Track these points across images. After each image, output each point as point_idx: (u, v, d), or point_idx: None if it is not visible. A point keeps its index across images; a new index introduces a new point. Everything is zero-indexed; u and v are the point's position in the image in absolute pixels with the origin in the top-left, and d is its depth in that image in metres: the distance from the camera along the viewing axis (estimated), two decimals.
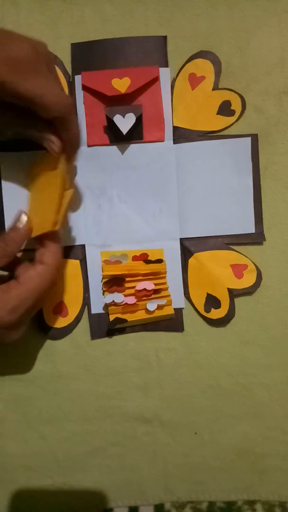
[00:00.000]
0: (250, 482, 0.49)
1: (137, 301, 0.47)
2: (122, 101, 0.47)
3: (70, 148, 0.43)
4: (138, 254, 0.48)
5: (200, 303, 0.48)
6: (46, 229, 0.42)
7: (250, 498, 0.49)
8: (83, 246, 0.49)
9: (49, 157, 0.43)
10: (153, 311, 0.47)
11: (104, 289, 0.48)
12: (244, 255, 0.48)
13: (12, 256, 0.42)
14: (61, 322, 0.49)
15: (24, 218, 0.42)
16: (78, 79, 0.47)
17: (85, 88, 0.47)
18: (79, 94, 0.47)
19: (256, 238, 0.48)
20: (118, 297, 0.47)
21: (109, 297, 0.47)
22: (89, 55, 0.48)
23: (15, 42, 0.37)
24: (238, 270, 0.48)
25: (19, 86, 0.37)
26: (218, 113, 0.48)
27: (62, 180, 0.42)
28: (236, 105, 0.48)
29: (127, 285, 0.47)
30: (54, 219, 0.42)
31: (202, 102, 0.48)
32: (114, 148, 0.48)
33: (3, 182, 0.48)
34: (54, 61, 0.42)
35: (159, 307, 0.47)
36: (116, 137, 0.47)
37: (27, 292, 0.40)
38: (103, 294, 0.48)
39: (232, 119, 0.48)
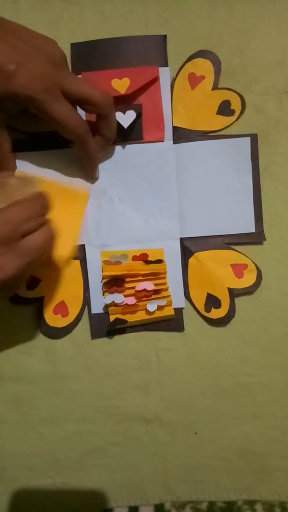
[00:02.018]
0: (250, 482, 0.49)
1: (137, 301, 0.47)
2: (122, 101, 0.47)
3: (88, 165, 0.47)
4: (138, 254, 0.48)
5: (200, 303, 0.48)
6: (65, 256, 0.47)
7: (250, 498, 0.49)
8: (83, 246, 0.49)
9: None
10: (153, 312, 0.47)
11: (104, 289, 0.48)
12: (244, 254, 0.48)
13: None
14: (61, 322, 0.49)
15: None
16: None
17: None
18: None
19: (256, 237, 0.48)
20: (118, 298, 0.47)
21: (109, 298, 0.47)
22: (89, 55, 0.48)
23: (38, 58, 0.40)
24: (238, 269, 0.48)
25: (49, 106, 0.40)
26: (217, 113, 0.48)
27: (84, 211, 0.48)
28: (235, 105, 0.48)
29: (127, 285, 0.47)
30: (73, 248, 0.47)
31: (201, 102, 0.48)
32: (114, 148, 0.48)
33: None
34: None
35: (159, 308, 0.47)
36: (117, 135, 0.47)
37: None
38: (103, 294, 0.48)
39: (231, 119, 0.48)
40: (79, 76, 0.47)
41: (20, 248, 0.38)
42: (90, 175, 0.48)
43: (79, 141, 0.44)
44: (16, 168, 0.47)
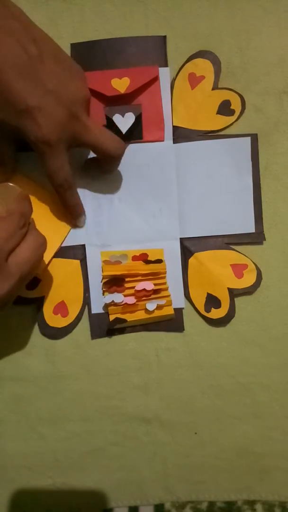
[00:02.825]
0: (250, 482, 0.49)
1: (136, 301, 0.47)
2: (121, 101, 0.47)
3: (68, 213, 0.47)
4: (138, 254, 0.48)
5: (200, 303, 0.48)
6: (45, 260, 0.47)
7: (250, 498, 0.49)
8: (83, 246, 0.49)
9: None
10: (153, 311, 0.47)
11: (104, 289, 0.48)
12: (244, 254, 0.48)
13: None
14: (61, 322, 0.49)
15: None
16: None
17: None
18: None
19: (256, 237, 0.48)
20: (117, 297, 0.47)
21: (109, 297, 0.47)
22: (89, 55, 0.48)
23: (55, 107, 0.39)
24: (238, 269, 0.48)
25: (44, 157, 0.40)
26: (217, 112, 0.48)
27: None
28: (235, 105, 0.48)
29: (127, 285, 0.47)
30: (55, 252, 0.48)
31: (201, 101, 0.48)
32: None
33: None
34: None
35: (159, 307, 0.47)
36: (117, 135, 0.47)
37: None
38: (103, 294, 0.48)
39: (231, 118, 0.48)
40: None
41: (7, 268, 0.37)
42: (73, 223, 0.48)
43: (58, 194, 0.44)
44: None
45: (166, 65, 0.48)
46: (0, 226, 0.38)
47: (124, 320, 0.47)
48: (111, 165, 0.46)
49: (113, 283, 0.47)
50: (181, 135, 0.48)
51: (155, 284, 0.47)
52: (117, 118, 0.46)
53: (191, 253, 0.48)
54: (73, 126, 0.40)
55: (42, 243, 0.40)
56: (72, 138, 0.41)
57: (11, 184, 0.41)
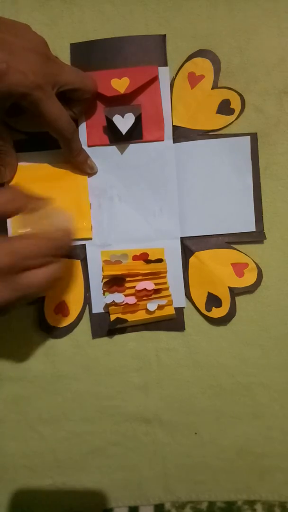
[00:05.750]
0: (250, 482, 0.49)
1: (137, 301, 0.47)
2: (121, 101, 0.47)
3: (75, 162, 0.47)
4: (138, 254, 0.48)
5: (201, 302, 0.48)
6: (83, 236, 0.48)
7: (250, 498, 0.49)
8: (83, 246, 0.49)
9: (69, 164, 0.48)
10: (154, 311, 0.47)
11: (104, 289, 0.48)
12: (244, 253, 0.48)
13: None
14: (62, 322, 0.49)
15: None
16: None
17: None
18: None
19: (257, 236, 0.48)
20: (118, 297, 0.47)
21: (110, 297, 0.47)
22: (89, 55, 0.48)
23: (25, 54, 0.39)
24: (239, 268, 0.48)
25: (42, 103, 0.40)
26: (217, 112, 0.48)
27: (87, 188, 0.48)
28: (235, 104, 0.48)
29: (127, 285, 0.47)
30: (88, 227, 0.48)
31: (201, 101, 0.48)
32: (114, 148, 0.48)
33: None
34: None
35: (160, 307, 0.47)
36: (116, 137, 0.47)
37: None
38: (104, 294, 0.48)
39: (231, 117, 0.48)
40: None
41: (16, 282, 0.36)
42: (84, 170, 0.48)
43: (65, 140, 0.44)
44: (17, 163, 0.48)
45: (165, 64, 0.48)
46: (36, 241, 0.38)
47: (125, 320, 0.47)
48: (82, 104, 0.46)
49: (114, 282, 0.47)
50: (181, 134, 0.48)
51: (155, 284, 0.47)
52: (117, 119, 0.46)
53: (191, 252, 0.48)
54: (50, 67, 0.41)
55: (56, 278, 0.39)
56: (54, 81, 0.41)
57: (68, 213, 0.42)
